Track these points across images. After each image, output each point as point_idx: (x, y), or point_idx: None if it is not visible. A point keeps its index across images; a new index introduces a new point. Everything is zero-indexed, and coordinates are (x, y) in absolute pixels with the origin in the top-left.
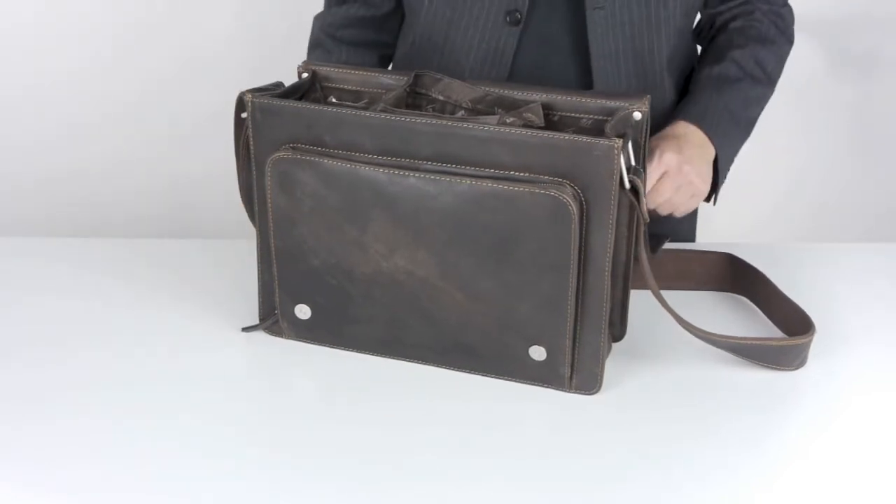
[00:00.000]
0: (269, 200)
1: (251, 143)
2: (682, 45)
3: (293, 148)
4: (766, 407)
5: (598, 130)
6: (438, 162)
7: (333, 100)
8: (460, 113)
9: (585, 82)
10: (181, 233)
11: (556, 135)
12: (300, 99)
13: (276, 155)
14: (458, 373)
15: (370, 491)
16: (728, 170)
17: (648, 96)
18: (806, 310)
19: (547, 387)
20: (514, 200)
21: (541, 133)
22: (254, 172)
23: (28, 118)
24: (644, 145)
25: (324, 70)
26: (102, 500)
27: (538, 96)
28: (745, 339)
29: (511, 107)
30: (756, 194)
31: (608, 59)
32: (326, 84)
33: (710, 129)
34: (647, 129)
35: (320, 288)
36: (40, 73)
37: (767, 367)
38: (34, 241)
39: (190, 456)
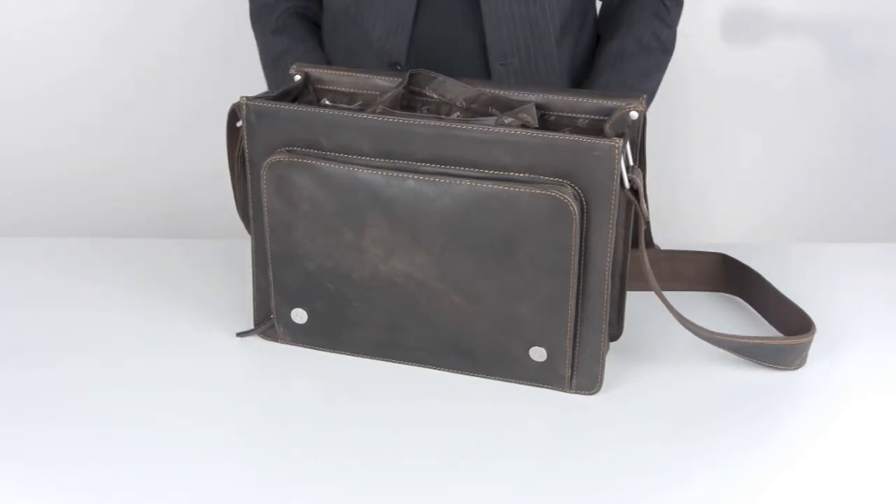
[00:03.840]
0: (264, 205)
1: (246, 146)
2: (576, 11)
3: (289, 151)
4: (766, 407)
5: (595, 130)
6: (437, 164)
7: (327, 102)
8: (455, 113)
9: (480, 47)
10: (172, 233)
11: (556, 135)
12: (294, 101)
13: (272, 158)
14: (459, 374)
15: (369, 492)
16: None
17: (645, 96)
18: (806, 310)
19: (547, 387)
20: (513, 201)
21: (541, 133)
22: (249, 177)
23: (22, 119)
24: (641, 144)
25: (317, 72)
26: (100, 501)
27: (533, 96)
28: (748, 338)
29: (505, 107)
30: (755, 194)
31: (502, 24)
32: (319, 86)
33: None
34: (643, 129)
35: (317, 292)
36: (34, 74)
37: (768, 366)
38: (26, 242)
39: (185, 459)
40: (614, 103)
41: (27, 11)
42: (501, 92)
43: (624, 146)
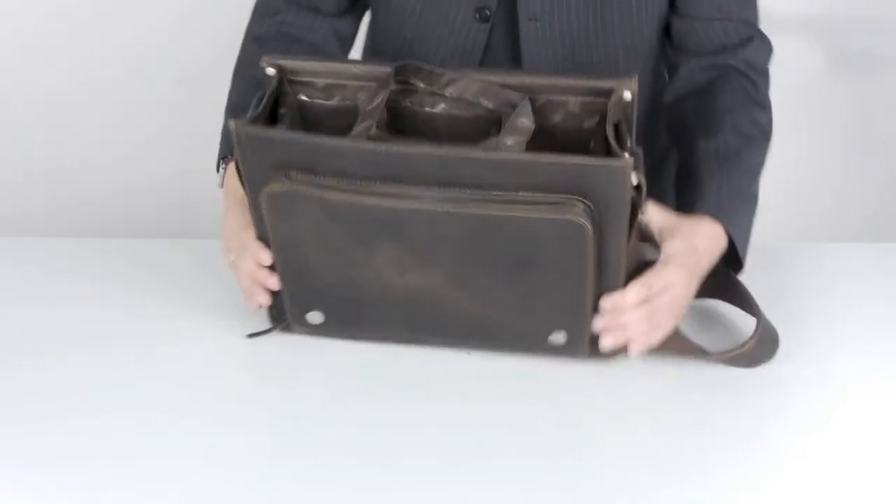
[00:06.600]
0: (268, 225)
1: (241, 167)
2: (634, 64)
3: (288, 177)
4: (764, 406)
5: (587, 113)
6: (444, 187)
7: (304, 98)
8: (441, 105)
9: None
10: (173, 232)
11: (565, 158)
12: (275, 102)
13: (271, 188)
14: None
15: (369, 493)
16: (746, 249)
17: (636, 75)
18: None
19: (567, 359)
20: (526, 225)
21: (548, 157)
22: (248, 195)
23: (23, 117)
24: (634, 122)
25: (290, 63)
26: (100, 501)
27: (517, 80)
28: (721, 353)
29: (496, 97)
30: None
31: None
32: (294, 78)
33: (729, 222)
34: (635, 107)
35: (332, 298)
36: (34, 71)
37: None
38: (26, 242)
39: (185, 459)
40: (605, 83)
41: (24, 11)
42: (492, 77)
43: (637, 165)
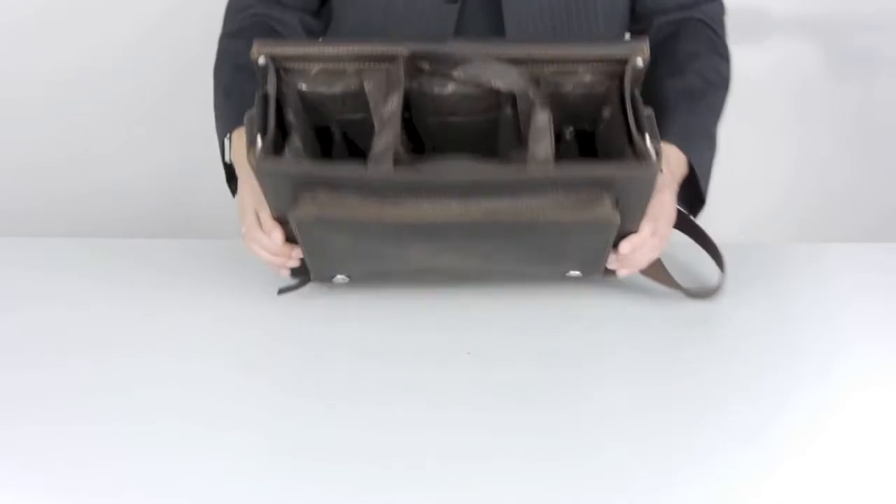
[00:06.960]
0: (297, 235)
1: (261, 189)
2: (612, 32)
3: (315, 200)
4: (764, 404)
5: (598, 81)
6: (474, 196)
7: (303, 87)
8: (450, 87)
9: None
10: (173, 232)
11: (601, 168)
12: (278, 107)
13: (299, 213)
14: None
15: (369, 494)
16: (708, 186)
17: (647, 38)
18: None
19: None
20: (557, 223)
21: (577, 166)
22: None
23: (25, 115)
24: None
25: (281, 50)
26: (100, 502)
27: (526, 51)
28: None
29: (506, 78)
30: (755, 194)
31: None
32: (287, 66)
33: (692, 153)
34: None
35: (359, 271)
36: (37, 70)
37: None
38: (26, 242)
39: (185, 459)
40: (616, 52)
41: (18, 6)
42: (499, 51)
43: (660, 157)
